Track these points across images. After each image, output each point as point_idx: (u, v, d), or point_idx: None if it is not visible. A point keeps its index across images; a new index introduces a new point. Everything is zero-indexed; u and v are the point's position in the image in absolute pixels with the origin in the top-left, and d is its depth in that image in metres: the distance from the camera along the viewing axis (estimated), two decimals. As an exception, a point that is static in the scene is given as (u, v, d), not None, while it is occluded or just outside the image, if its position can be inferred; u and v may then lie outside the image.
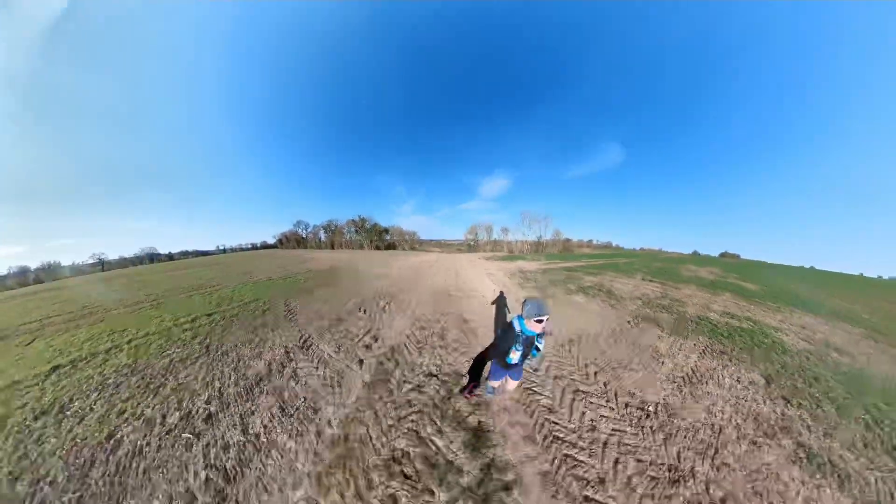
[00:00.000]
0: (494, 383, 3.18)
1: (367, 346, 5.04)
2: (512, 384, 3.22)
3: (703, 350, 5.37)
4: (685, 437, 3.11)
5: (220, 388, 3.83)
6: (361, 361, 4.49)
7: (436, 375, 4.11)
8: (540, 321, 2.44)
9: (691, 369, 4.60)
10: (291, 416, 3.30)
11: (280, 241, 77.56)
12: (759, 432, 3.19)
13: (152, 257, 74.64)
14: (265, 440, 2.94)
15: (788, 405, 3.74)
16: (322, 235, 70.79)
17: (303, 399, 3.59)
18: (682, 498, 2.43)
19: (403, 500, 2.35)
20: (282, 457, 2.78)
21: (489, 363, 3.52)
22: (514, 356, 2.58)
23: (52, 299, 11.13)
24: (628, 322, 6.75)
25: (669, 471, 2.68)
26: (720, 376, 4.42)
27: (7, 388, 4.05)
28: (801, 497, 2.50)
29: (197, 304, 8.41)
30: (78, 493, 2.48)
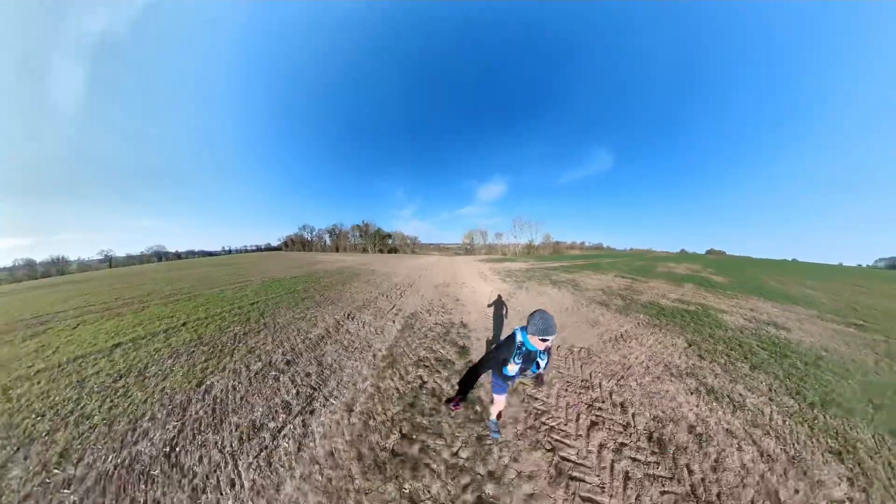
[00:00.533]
0: (497, 398, 2.76)
1: (396, 313, 7.18)
2: (500, 399, 2.79)
3: (639, 323, 6.55)
4: (598, 366, 4.39)
5: (291, 346, 5.00)
6: (394, 320, 6.56)
7: (440, 324, 6.27)
8: (545, 340, 2.20)
9: (621, 333, 5.84)
10: (353, 351, 4.86)
11: (286, 243, 79.92)
12: (665, 373, 4.13)
13: (160, 255, 75.47)
14: (337, 366, 4.31)
15: (702, 360, 4.61)
16: (327, 239, 73.76)
17: (359, 342, 5.26)
18: (589, 396, 3.53)
19: (426, 377, 4.01)
20: (351, 370, 4.17)
21: (484, 375, 3.11)
22: (512, 368, 2.38)
23: (75, 291, 12.17)
24: (582, 304, 8.39)
25: (581, 381, 3.93)
26: (645, 339, 5.54)
27: (73, 360, 4.71)
28: (692, 413, 3.27)
29: (232, 296, 9.31)
30: (181, 421, 3.12)
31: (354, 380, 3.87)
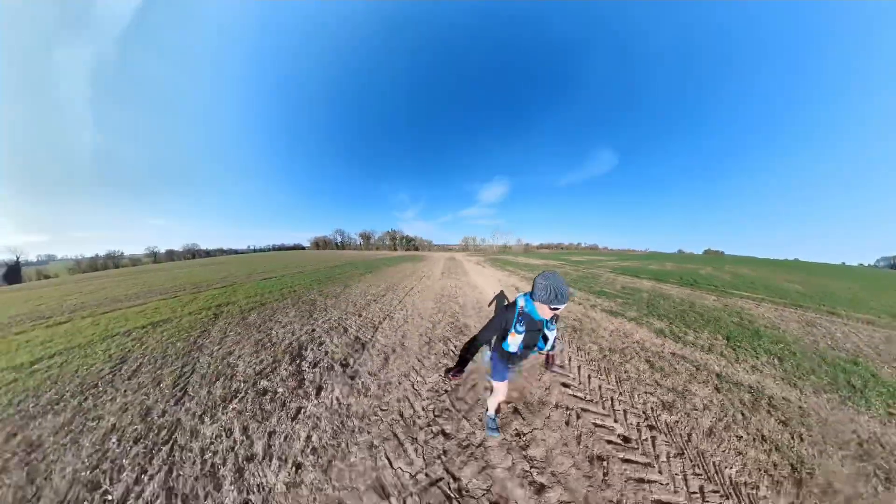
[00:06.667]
0: (497, 384, 2.29)
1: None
2: (500, 386, 2.29)
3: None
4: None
5: (372, 295, 8.58)
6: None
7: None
8: (556, 309, 1.74)
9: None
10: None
11: (316, 243, 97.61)
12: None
13: (194, 253, 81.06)
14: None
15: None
16: (359, 240, 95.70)
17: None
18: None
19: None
20: (406, 309, 6.82)
21: (482, 352, 2.77)
22: (513, 341, 1.91)
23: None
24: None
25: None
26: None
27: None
28: (638, 334, 5.22)
29: (315, 276, 13.23)
30: (272, 348, 4.36)
31: (404, 318, 6.02)
